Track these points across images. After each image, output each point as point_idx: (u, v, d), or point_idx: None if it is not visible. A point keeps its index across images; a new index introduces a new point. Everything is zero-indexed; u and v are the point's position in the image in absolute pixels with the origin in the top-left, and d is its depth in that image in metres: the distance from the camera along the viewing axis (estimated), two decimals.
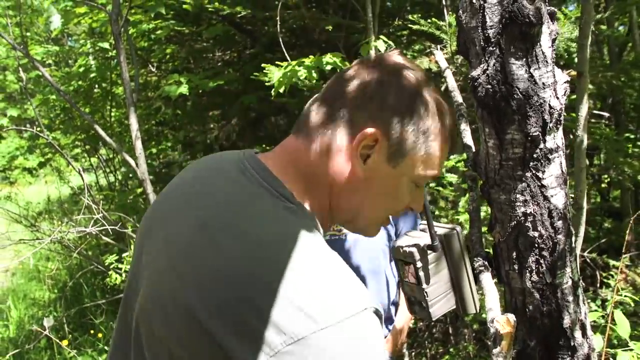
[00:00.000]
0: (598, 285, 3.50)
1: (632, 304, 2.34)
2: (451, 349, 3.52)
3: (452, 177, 3.07)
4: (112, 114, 6.37)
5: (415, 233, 1.52)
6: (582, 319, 1.52)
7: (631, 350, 1.71)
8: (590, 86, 3.71)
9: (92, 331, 4.70)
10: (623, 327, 1.72)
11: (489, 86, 1.35)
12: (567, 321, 1.48)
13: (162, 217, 1.00)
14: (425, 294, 1.42)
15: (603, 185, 5.32)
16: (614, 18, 4.25)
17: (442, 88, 3.79)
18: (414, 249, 1.39)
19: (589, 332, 1.55)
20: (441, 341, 3.80)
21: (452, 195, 3.25)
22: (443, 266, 1.45)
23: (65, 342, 3.80)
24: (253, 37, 4.53)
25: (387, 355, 0.76)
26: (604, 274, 3.51)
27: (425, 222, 1.51)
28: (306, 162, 0.98)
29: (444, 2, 3.07)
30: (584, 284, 3.89)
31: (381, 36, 2.98)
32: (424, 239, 1.42)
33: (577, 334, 1.50)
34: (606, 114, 4.77)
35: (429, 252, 1.40)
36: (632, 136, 4.18)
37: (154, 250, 0.96)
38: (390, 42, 2.98)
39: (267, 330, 0.76)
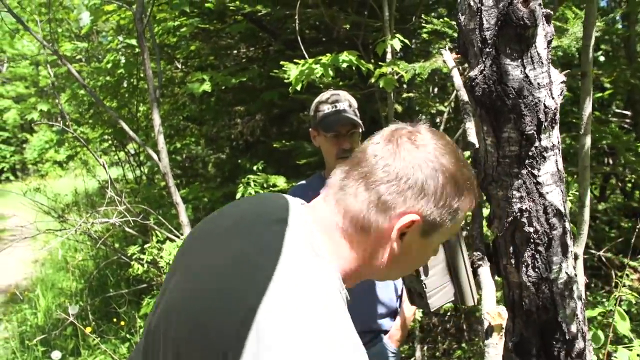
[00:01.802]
0: (613, 284, 3.50)
1: (636, 301, 2.35)
2: (464, 345, 3.56)
3: None
4: (140, 108, 6.52)
5: None
6: (577, 314, 1.56)
7: (631, 347, 1.74)
8: (608, 86, 3.71)
9: (115, 320, 4.84)
10: (623, 323, 1.75)
11: (486, 86, 1.40)
12: (562, 315, 1.52)
13: (206, 240, 1.09)
14: (424, 285, 1.47)
15: (628, 185, 5.28)
16: (636, 16, 4.21)
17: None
18: None
19: (584, 326, 1.59)
20: (454, 337, 3.83)
21: None
22: (441, 259, 1.50)
23: (89, 329, 3.93)
24: (274, 34, 4.60)
25: None
26: (619, 274, 3.50)
27: None
28: (343, 230, 1.04)
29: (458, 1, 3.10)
30: (600, 283, 3.88)
31: (397, 35, 3.03)
32: None
33: (572, 327, 1.54)
34: (628, 113, 4.74)
35: None
36: None
37: (191, 271, 1.03)
38: (406, 41, 3.03)
39: (262, 353, 0.81)
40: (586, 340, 1.58)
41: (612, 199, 5.40)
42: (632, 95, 4.33)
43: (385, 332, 2.31)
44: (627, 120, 4.68)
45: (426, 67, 2.86)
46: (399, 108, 3.92)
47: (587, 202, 1.92)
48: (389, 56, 3.14)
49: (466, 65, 2.78)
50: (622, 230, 4.23)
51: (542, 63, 1.40)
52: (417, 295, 1.53)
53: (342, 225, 1.04)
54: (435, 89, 4.70)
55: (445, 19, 2.82)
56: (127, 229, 3.71)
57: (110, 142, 7.56)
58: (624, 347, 1.80)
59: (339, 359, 0.83)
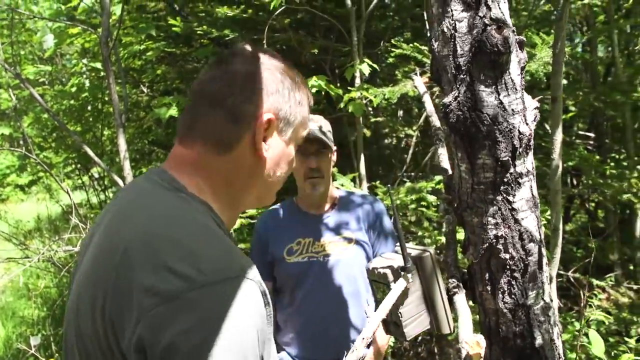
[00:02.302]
0: (582, 304, 3.53)
1: (608, 322, 2.37)
2: None
3: (432, 199, 3.10)
4: (104, 132, 6.41)
5: (389, 255, 1.55)
6: (554, 339, 1.55)
7: None
8: (572, 108, 3.78)
9: None
10: (598, 345, 1.76)
11: (460, 112, 1.40)
12: (539, 341, 1.51)
13: (97, 225, 1.09)
14: (399, 315, 1.44)
15: (591, 205, 5.38)
16: (596, 42, 4.33)
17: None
18: (387, 271, 1.42)
19: (561, 352, 1.58)
20: None
21: (436, 216, 3.29)
22: (417, 287, 1.47)
23: None
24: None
25: (261, 332, 0.82)
26: (587, 294, 3.54)
27: (399, 244, 1.55)
28: (204, 164, 1.06)
29: (427, 26, 3.13)
30: (568, 303, 3.92)
31: (365, 59, 3.04)
32: (398, 261, 1.45)
33: (550, 353, 1.53)
34: (592, 134, 4.84)
35: (402, 273, 1.43)
36: (616, 156, 4.24)
37: (89, 251, 1.04)
38: (375, 66, 3.04)
39: (143, 296, 0.84)
40: None
41: (576, 219, 5.49)
42: (596, 118, 4.43)
43: (362, 359, 2.27)
44: (590, 142, 4.78)
45: (395, 91, 2.87)
46: (367, 132, 3.93)
47: (560, 225, 1.93)
48: (357, 81, 3.14)
49: (436, 89, 2.80)
50: (588, 250, 4.29)
51: (516, 89, 1.40)
52: (393, 324, 1.51)
53: (200, 157, 1.05)
54: (401, 112, 4.72)
55: (415, 43, 2.84)
56: None
57: (73, 166, 7.41)
58: None
59: (208, 254, 0.88)
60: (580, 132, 4.52)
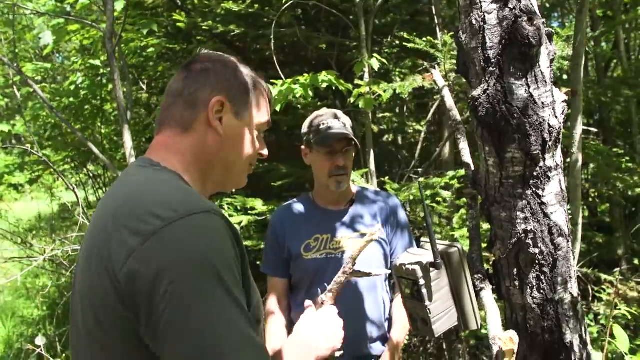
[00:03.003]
0: (590, 299, 3.53)
1: (629, 317, 2.37)
2: None
3: (447, 194, 3.09)
4: (102, 131, 6.36)
5: (416, 250, 1.53)
6: (582, 334, 1.54)
7: None
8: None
9: None
10: (622, 341, 1.74)
11: (490, 106, 1.38)
12: (568, 336, 1.50)
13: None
14: (428, 311, 1.42)
15: (590, 200, 5.37)
16: (601, 36, 4.32)
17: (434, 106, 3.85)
18: (416, 267, 1.40)
19: (589, 346, 1.57)
20: (435, 357, 3.80)
21: (447, 211, 3.27)
22: (445, 283, 1.46)
23: None
24: (244, 55, 4.55)
25: (228, 252, 0.98)
26: (596, 289, 3.54)
27: (426, 240, 1.53)
28: (172, 144, 1.23)
29: (436, 21, 3.11)
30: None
31: (375, 55, 3.01)
32: (426, 257, 1.43)
33: (578, 348, 1.51)
34: (594, 130, 4.83)
35: (431, 269, 1.41)
36: (620, 151, 4.24)
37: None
38: (383, 60, 3.01)
39: (129, 238, 1.00)
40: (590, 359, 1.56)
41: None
42: (601, 112, 4.43)
43: (377, 357, 2.25)
44: (592, 137, 4.78)
45: (406, 86, 2.85)
46: (375, 128, 3.90)
47: (580, 220, 1.92)
48: (366, 76, 3.12)
49: (451, 83, 2.78)
50: (592, 244, 4.29)
51: (546, 82, 1.38)
52: (421, 321, 1.48)
53: (169, 140, 1.23)
54: (405, 108, 4.70)
55: (428, 37, 2.82)
56: None
57: (70, 165, 7.35)
58: None
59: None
60: (584, 127, 4.51)
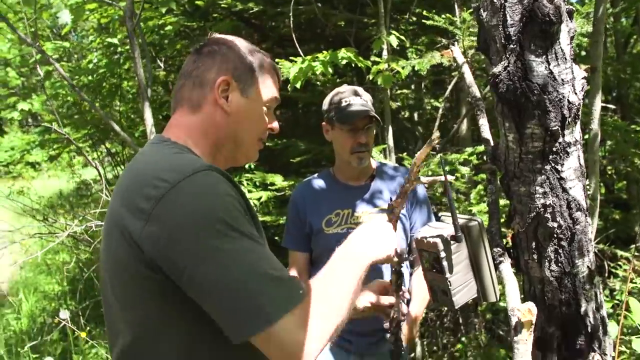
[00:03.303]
0: (606, 275, 3.55)
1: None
2: (463, 338, 3.58)
3: (465, 170, 3.11)
4: (120, 109, 6.40)
5: (436, 224, 1.56)
6: (599, 307, 1.57)
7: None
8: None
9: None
10: (638, 314, 1.78)
11: (510, 82, 1.40)
12: (584, 308, 1.53)
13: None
14: (448, 283, 1.46)
15: (607, 176, 5.35)
16: (621, 12, 4.26)
17: (450, 84, 3.84)
18: (437, 240, 1.43)
19: (606, 319, 1.60)
20: (452, 330, 3.85)
21: (464, 187, 3.29)
22: (465, 256, 1.49)
23: (84, 334, 3.84)
24: (262, 32, 4.57)
25: (233, 199, 1.09)
26: (612, 264, 3.55)
27: (446, 214, 1.56)
28: (183, 122, 1.32)
29: None
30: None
31: (393, 31, 3.02)
32: (447, 230, 1.46)
33: (594, 320, 1.55)
34: (612, 106, 4.80)
35: (452, 242, 1.44)
36: (639, 128, 4.21)
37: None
38: (402, 37, 3.02)
39: (141, 202, 1.09)
40: (607, 332, 1.59)
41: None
42: (620, 89, 4.39)
43: None
44: (610, 114, 4.75)
45: (424, 63, 2.86)
46: (393, 105, 3.92)
47: (597, 195, 1.94)
48: (384, 53, 3.13)
49: (469, 60, 2.79)
50: (608, 221, 4.29)
51: (566, 59, 1.40)
52: (441, 292, 1.52)
53: (180, 118, 1.32)
54: (422, 85, 4.69)
55: (447, 14, 2.82)
56: None
57: (89, 142, 7.42)
58: (637, 337, 1.82)
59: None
60: (602, 104, 4.49)
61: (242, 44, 1.38)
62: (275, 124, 1.44)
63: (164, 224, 1.06)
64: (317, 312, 1.09)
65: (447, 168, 3.11)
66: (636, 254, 3.69)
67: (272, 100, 1.40)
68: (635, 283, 2.28)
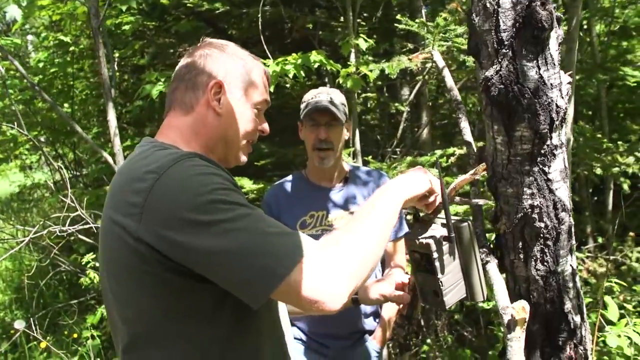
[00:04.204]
0: None
1: (618, 290, 2.50)
2: (428, 340, 3.62)
3: (434, 172, 3.14)
4: (70, 110, 6.21)
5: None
6: (580, 304, 1.63)
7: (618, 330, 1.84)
8: None
9: (66, 332, 4.59)
10: (613, 311, 1.85)
11: (502, 86, 1.44)
12: (567, 306, 1.58)
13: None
14: (440, 284, 1.48)
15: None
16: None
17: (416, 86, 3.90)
18: (430, 240, 1.45)
19: (585, 315, 1.66)
20: (415, 333, 3.87)
21: None
22: (455, 256, 1.51)
23: (43, 344, 3.70)
24: (224, 33, 4.52)
25: (221, 177, 1.15)
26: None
27: (439, 215, 1.59)
28: (175, 124, 1.35)
29: (421, 3, 3.15)
30: None
31: (361, 35, 3.05)
32: (439, 231, 1.49)
33: (576, 317, 1.60)
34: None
35: (444, 243, 1.46)
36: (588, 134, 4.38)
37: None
38: (370, 41, 3.05)
39: (132, 197, 1.12)
40: (586, 329, 1.65)
41: None
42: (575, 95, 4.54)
43: (370, 332, 2.32)
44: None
45: (395, 66, 2.90)
46: (358, 108, 3.95)
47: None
48: (352, 56, 3.15)
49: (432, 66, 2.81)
50: None
51: (554, 64, 1.45)
52: (432, 293, 1.54)
53: (172, 120, 1.35)
54: (385, 89, 4.75)
55: (421, 19, 2.86)
56: (81, 236, 3.53)
57: (30, 145, 7.15)
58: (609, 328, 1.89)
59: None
60: None
61: (233, 48, 1.43)
62: (266, 126, 1.48)
63: (158, 211, 1.08)
64: (340, 252, 1.11)
65: (441, 168, 3.16)
66: (589, 254, 3.84)
67: (263, 102, 1.44)
68: (610, 281, 2.37)
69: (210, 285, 1.11)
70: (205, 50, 1.40)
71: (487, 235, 1.70)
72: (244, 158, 1.46)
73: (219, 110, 1.34)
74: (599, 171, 3.65)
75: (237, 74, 1.38)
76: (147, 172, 1.13)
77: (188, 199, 1.08)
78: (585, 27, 4.56)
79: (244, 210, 1.11)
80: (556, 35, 1.45)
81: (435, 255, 1.46)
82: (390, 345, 3.80)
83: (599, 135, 3.48)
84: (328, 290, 1.07)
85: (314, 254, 1.09)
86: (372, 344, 2.31)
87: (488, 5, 1.45)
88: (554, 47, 1.44)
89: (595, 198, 5.29)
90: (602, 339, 1.97)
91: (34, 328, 4.09)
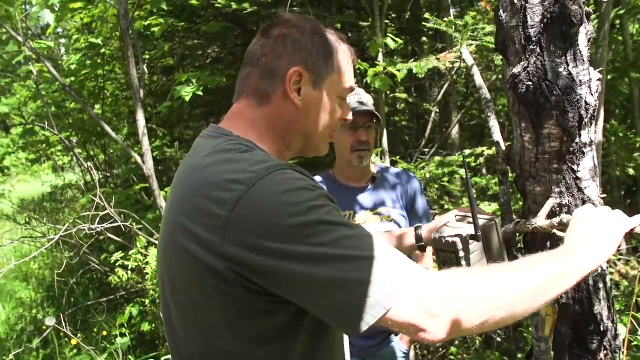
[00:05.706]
0: None
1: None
2: (456, 342, 3.59)
3: (463, 172, 3.14)
4: (100, 111, 6.32)
5: (455, 224, 1.57)
6: (610, 306, 1.60)
7: None
8: None
9: (95, 330, 4.66)
10: None
11: (530, 83, 1.42)
12: (597, 308, 1.55)
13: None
14: None
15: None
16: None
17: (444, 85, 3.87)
18: (457, 239, 1.44)
19: (615, 318, 1.62)
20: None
21: (458, 190, 3.31)
22: (482, 256, 1.50)
23: (74, 341, 3.76)
24: (253, 34, 4.52)
25: (313, 192, 1.02)
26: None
27: (463, 213, 1.57)
28: (248, 114, 1.22)
29: (449, 2, 3.13)
30: None
31: (389, 34, 3.04)
32: (466, 229, 1.47)
33: (606, 319, 1.57)
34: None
35: (470, 241, 1.45)
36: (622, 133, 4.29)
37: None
38: (399, 40, 3.04)
39: (216, 208, 0.99)
40: (617, 331, 1.61)
41: None
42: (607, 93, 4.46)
43: (396, 333, 2.31)
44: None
45: (423, 66, 2.88)
46: (386, 108, 3.93)
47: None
48: (380, 56, 3.14)
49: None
50: None
51: (584, 61, 1.42)
52: None
53: (245, 109, 1.23)
54: (413, 89, 4.72)
55: (450, 19, 2.84)
56: (110, 235, 3.58)
57: (62, 145, 7.28)
58: None
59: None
60: None
61: (315, 27, 1.25)
62: (350, 115, 1.35)
63: (246, 229, 0.97)
64: (465, 294, 1.00)
65: (446, 170, 3.16)
66: (620, 257, 3.75)
67: (347, 90, 1.30)
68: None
69: (292, 307, 1.03)
70: (282, 29, 1.23)
71: (516, 234, 1.68)
72: (324, 149, 1.34)
73: (298, 103, 1.20)
74: (631, 172, 3.60)
75: (319, 60, 1.22)
76: (232, 180, 1.01)
77: (282, 219, 0.96)
78: (618, 26, 4.50)
79: (345, 231, 0.99)
80: (586, 31, 1.43)
81: (461, 254, 1.44)
82: (417, 346, 3.79)
83: (632, 135, 3.41)
84: (429, 324, 0.96)
85: (424, 281, 0.98)
86: (399, 344, 2.30)
87: (516, 1, 1.43)
88: (583, 43, 1.42)
89: (629, 200, 5.19)
90: (635, 343, 1.93)
91: (64, 325, 4.17)
